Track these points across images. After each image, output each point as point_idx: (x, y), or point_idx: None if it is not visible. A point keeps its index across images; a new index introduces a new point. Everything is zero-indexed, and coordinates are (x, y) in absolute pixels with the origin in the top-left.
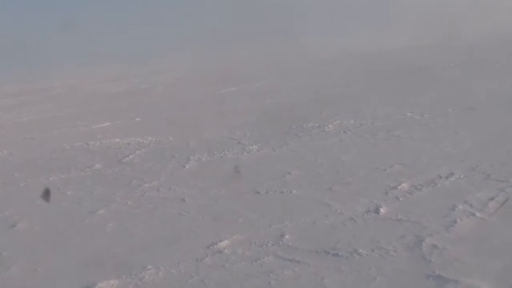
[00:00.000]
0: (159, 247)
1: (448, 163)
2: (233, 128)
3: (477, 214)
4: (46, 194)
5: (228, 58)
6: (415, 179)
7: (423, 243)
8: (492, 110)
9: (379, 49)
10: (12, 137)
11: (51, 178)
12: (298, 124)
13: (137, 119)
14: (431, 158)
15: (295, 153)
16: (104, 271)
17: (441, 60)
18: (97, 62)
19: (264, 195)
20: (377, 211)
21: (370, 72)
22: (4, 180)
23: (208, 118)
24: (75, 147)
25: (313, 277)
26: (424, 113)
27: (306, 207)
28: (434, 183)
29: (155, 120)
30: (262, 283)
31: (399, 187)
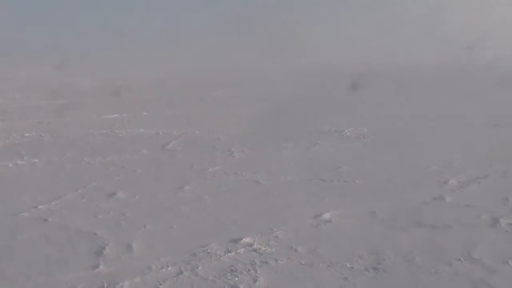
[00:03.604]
0: (269, 216)
1: None
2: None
3: None
4: None
5: None
6: None
7: None
8: None
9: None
10: (22, 122)
11: (108, 159)
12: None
13: (144, 113)
14: None
15: (330, 153)
16: (235, 231)
17: None
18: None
19: (330, 182)
20: None
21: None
22: (60, 158)
23: (210, 115)
24: (103, 133)
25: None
26: None
27: (377, 193)
28: None
29: (162, 115)
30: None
31: None
